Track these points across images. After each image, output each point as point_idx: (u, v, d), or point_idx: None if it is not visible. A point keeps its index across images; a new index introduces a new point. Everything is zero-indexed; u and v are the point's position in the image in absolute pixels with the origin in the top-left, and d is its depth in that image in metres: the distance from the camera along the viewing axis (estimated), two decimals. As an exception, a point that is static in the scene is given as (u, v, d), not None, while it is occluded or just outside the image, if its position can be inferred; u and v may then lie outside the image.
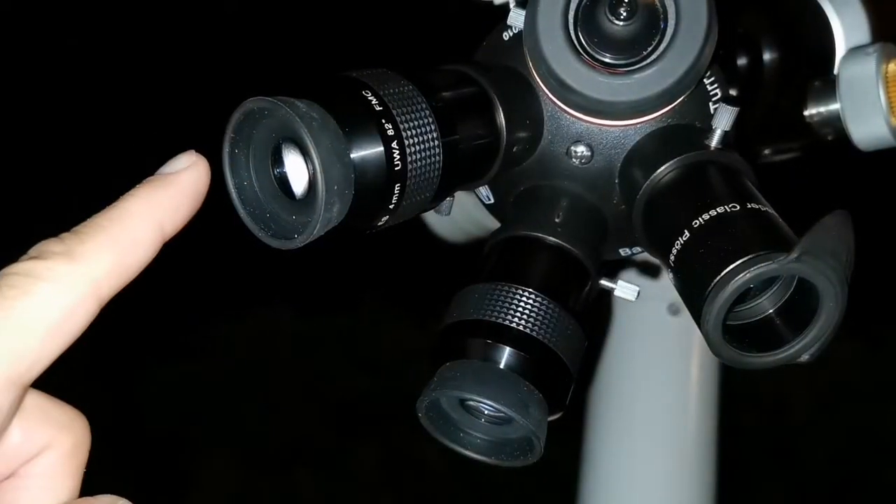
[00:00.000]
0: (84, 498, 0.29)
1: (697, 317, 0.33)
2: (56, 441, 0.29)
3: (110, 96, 1.62)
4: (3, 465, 0.28)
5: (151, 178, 0.30)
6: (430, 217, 0.63)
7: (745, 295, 0.34)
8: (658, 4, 0.36)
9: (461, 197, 0.46)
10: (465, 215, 0.60)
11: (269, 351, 1.64)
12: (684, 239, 0.35)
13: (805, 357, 0.33)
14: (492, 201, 0.45)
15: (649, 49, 0.36)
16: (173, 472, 1.49)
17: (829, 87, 0.50)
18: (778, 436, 1.51)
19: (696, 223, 0.35)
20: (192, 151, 0.31)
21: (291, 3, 1.65)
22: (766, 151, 0.53)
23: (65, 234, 0.28)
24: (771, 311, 0.34)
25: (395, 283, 1.62)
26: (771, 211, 0.35)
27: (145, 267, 0.29)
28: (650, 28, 0.36)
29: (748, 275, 0.31)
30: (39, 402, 0.28)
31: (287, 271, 1.48)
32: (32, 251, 0.27)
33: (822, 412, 1.50)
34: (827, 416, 1.50)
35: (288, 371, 1.62)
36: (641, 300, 0.49)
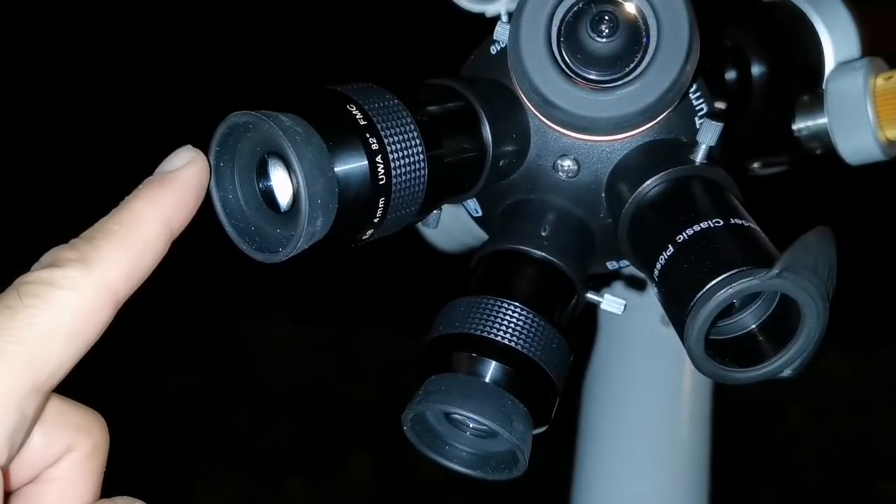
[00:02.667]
0: (103, 500, 0.30)
1: (680, 331, 0.33)
2: (76, 444, 0.29)
3: (106, 95, 1.63)
4: (25, 471, 0.28)
5: (153, 177, 0.30)
6: (425, 227, 0.63)
7: (728, 310, 0.34)
8: (640, 21, 0.36)
9: (456, 207, 0.46)
10: (459, 225, 0.60)
11: (264, 359, 1.64)
12: (668, 254, 0.35)
13: (787, 372, 0.33)
14: (480, 214, 0.45)
15: (631, 66, 0.36)
16: (168, 479, 1.48)
17: (817, 101, 0.50)
18: (771, 444, 1.51)
19: (679, 238, 0.35)
20: (190, 146, 0.31)
21: (288, 6, 1.66)
22: (755, 165, 0.53)
23: (76, 241, 0.28)
24: (753, 326, 0.34)
25: (390, 292, 1.62)
26: (754, 226, 0.35)
27: (156, 266, 0.29)
28: (632, 45, 0.36)
29: (729, 291, 0.31)
30: (58, 406, 0.28)
31: (283, 280, 1.48)
32: (46, 258, 0.27)
33: (815, 421, 1.50)
34: (820, 425, 1.50)
35: (282, 379, 1.62)
36: (634, 311, 0.49)
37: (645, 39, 0.36)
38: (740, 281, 0.31)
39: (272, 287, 1.54)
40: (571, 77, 0.36)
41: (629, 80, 0.36)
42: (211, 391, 1.58)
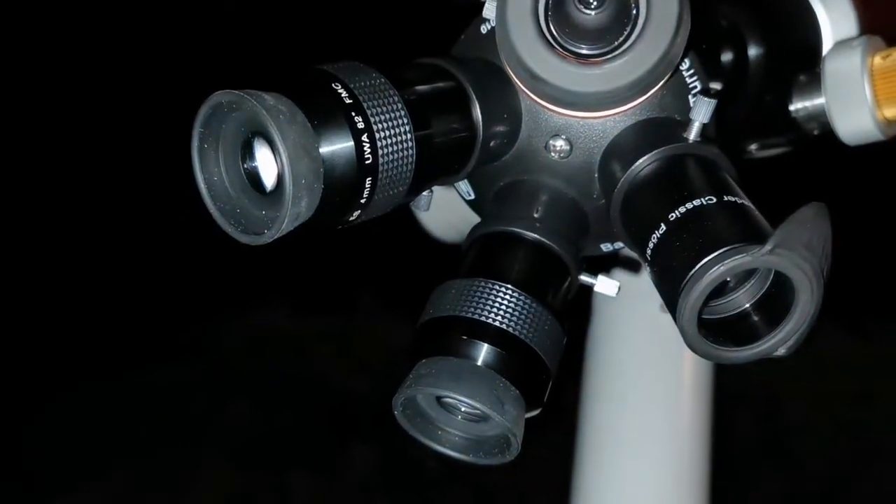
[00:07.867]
0: None
1: (673, 311, 0.33)
2: None
3: (103, 93, 1.62)
4: None
5: None
6: (423, 215, 0.63)
7: (722, 289, 0.34)
8: None
9: (453, 194, 0.45)
10: (458, 213, 0.59)
11: (265, 351, 1.63)
12: (660, 232, 0.34)
13: (782, 351, 0.32)
14: (472, 197, 0.44)
15: (620, 39, 0.35)
16: (168, 472, 1.48)
17: (814, 81, 0.49)
18: (772, 433, 1.50)
19: (672, 216, 0.34)
20: None
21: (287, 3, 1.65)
22: (752, 146, 0.53)
23: None
24: (747, 305, 0.34)
25: (391, 282, 1.62)
26: (748, 203, 0.34)
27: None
28: (620, 17, 0.35)
29: (722, 268, 0.31)
30: None
31: (283, 271, 1.48)
32: None
33: (816, 410, 1.50)
34: (821, 414, 1.49)
35: (283, 372, 1.61)
36: (633, 297, 0.48)
37: (634, 11, 0.35)
38: (733, 258, 0.31)
39: (273, 278, 1.54)
40: (559, 51, 0.36)
41: (618, 54, 0.35)
42: (211, 383, 1.58)
